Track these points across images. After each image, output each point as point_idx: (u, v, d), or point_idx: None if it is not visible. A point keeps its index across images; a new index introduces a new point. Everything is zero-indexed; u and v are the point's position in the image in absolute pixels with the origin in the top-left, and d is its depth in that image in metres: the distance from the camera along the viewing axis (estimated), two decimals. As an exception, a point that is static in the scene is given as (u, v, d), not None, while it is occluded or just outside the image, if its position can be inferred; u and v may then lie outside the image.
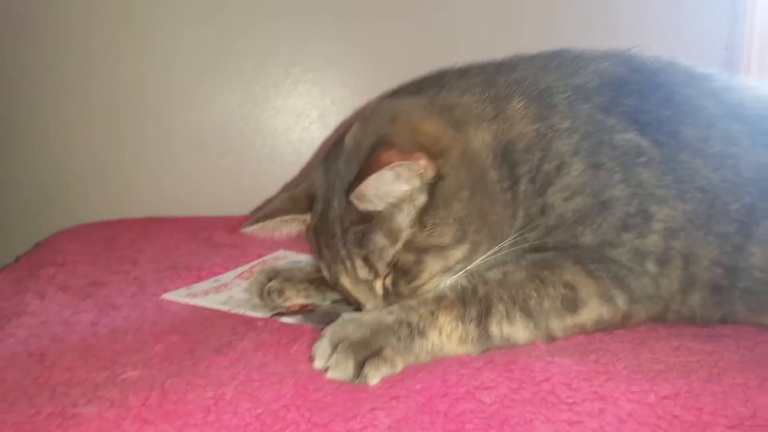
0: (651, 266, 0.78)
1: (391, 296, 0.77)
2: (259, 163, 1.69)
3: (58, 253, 1.18)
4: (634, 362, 0.69)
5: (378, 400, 0.63)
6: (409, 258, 0.74)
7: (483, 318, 0.72)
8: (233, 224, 1.46)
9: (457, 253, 0.75)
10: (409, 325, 0.70)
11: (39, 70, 1.60)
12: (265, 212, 0.83)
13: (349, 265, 0.76)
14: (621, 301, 0.77)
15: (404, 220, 0.74)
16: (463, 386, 0.65)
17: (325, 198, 0.79)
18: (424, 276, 0.75)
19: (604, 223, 0.78)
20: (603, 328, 0.78)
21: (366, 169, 0.69)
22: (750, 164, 0.82)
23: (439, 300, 0.72)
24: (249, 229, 0.83)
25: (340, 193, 0.76)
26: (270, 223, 0.83)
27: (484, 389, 0.65)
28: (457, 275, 0.76)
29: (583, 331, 0.77)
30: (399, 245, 0.74)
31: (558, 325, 0.76)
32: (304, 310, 0.91)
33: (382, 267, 0.75)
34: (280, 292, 0.91)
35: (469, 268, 0.77)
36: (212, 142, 1.67)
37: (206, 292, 0.97)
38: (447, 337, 0.71)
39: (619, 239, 0.78)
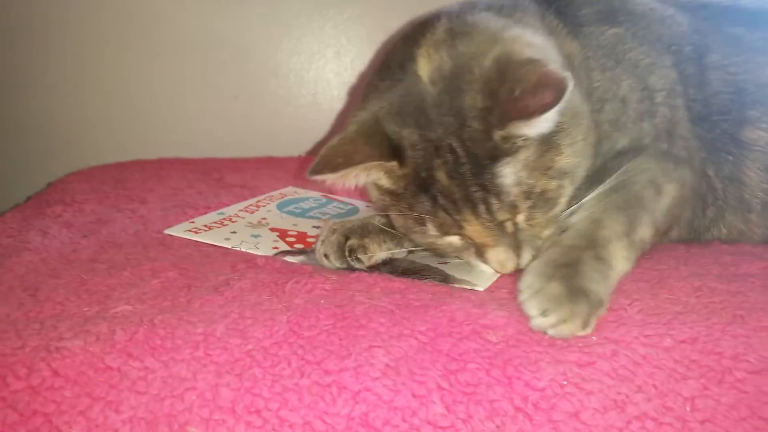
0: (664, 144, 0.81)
1: (521, 232, 0.71)
2: (275, 104, 1.64)
3: (67, 193, 1.16)
4: (650, 304, 0.65)
5: (377, 338, 0.60)
6: (552, 185, 0.70)
7: (633, 228, 0.70)
8: (247, 166, 1.45)
9: (582, 170, 0.72)
10: (600, 258, 0.66)
11: (50, 13, 1.55)
12: (344, 159, 0.70)
13: (483, 207, 0.68)
14: (673, 171, 0.78)
15: (539, 148, 0.68)
16: (469, 325, 0.62)
17: (427, 142, 0.69)
18: (563, 200, 0.72)
19: (629, 121, 0.80)
20: (676, 211, 0.78)
21: (534, 89, 0.63)
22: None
23: (599, 226, 0.69)
24: (327, 177, 0.71)
25: (459, 131, 0.67)
26: (352, 172, 0.71)
27: (492, 328, 0.61)
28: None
29: (670, 212, 0.77)
30: (535, 173, 0.68)
31: (659, 212, 0.75)
32: (307, 249, 0.87)
33: (522, 202, 0.69)
34: (365, 249, 0.79)
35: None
36: (225, 82, 1.62)
37: (209, 227, 0.94)
38: (620, 260, 0.68)
39: (641, 130, 0.81)
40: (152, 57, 1.60)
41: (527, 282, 0.64)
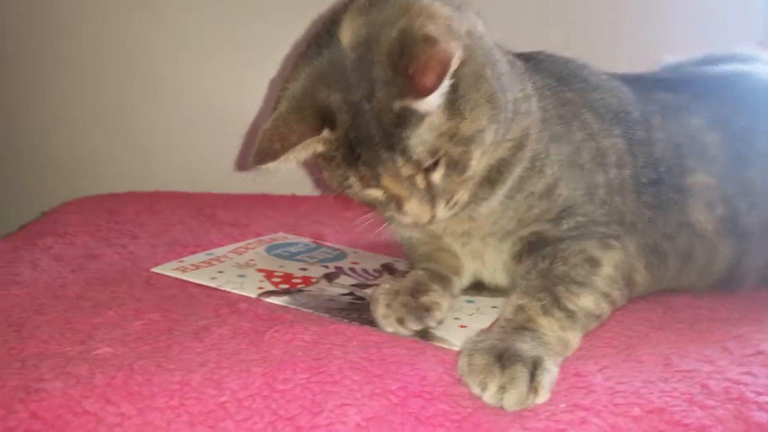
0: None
1: (437, 189, 0.75)
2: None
3: (60, 224, 1.18)
4: (619, 372, 0.67)
5: (350, 396, 0.61)
6: (457, 150, 0.73)
7: (557, 302, 0.74)
8: (239, 203, 1.47)
9: (490, 134, 0.75)
10: (526, 328, 0.71)
11: (48, 45, 1.59)
12: (281, 144, 0.74)
13: (390, 164, 0.73)
14: (614, 241, 0.83)
15: (440, 113, 0.71)
16: (441, 386, 0.63)
17: (350, 105, 0.73)
18: (473, 164, 0.75)
19: (585, 164, 0.87)
20: (624, 272, 0.83)
21: (423, 70, 0.67)
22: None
23: (521, 308, 0.74)
24: (269, 165, 0.74)
25: (369, 98, 0.71)
26: (291, 155, 0.75)
27: (463, 394, 0.63)
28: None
29: (615, 281, 0.81)
30: (442, 137, 0.72)
31: (600, 280, 0.79)
32: (292, 290, 0.89)
33: (424, 159, 0.73)
34: (438, 305, 0.82)
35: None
36: (219, 119, 1.64)
37: (197, 266, 0.96)
38: (551, 329, 0.72)
39: (594, 185, 0.87)
40: (150, 90, 1.63)
41: (459, 364, 0.67)
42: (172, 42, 1.62)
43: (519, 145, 0.82)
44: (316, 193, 1.61)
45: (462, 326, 0.81)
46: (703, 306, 0.89)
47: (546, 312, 0.73)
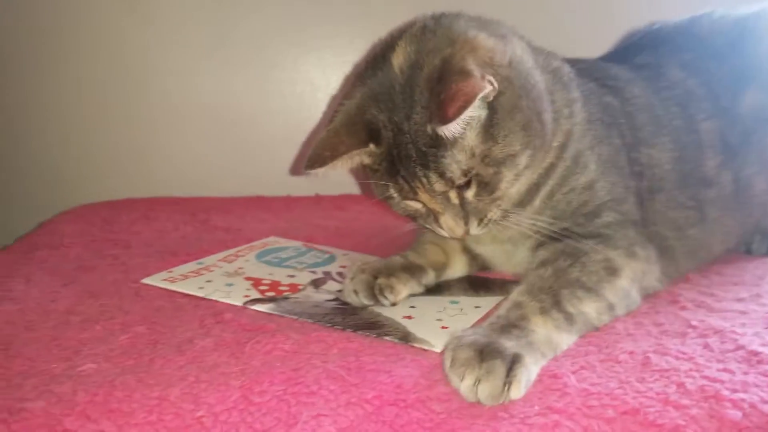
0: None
1: (470, 207, 0.82)
2: (261, 144, 1.68)
3: (56, 235, 1.20)
4: (594, 374, 0.67)
5: (326, 407, 0.62)
6: (488, 171, 0.79)
7: (557, 304, 0.76)
8: (234, 206, 1.48)
9: (524, 158, 0.80)
10: (516, 326, 0.72)
11: (48, 53, 1.60)
12: (330, 152, 0.81)
13: (425, 181, 0.79)
14: (639, 250, 0.87)
15: (474, 137, 0.77)
16: (415, 393, 0.64)
17: (392, 124, 0.79)
18: (503, 185, 0.81)
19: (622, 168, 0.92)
20: (641, 282, 0.86)
21: (450, 100, 0.73)
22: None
23: (518, 305, 0.76)
24: (318, 171, 0.82)
25: (408, 119, 0.78)
26: (338, 162, 0.82)
27: (437, 399, 0.63)
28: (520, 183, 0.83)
29: (627, 293, 0.84)
30: (475, 159, 0.78)
31: (611, 290, 0.82)
32: (278, 297, 0.90)
33: (457, 177, 0.78)
34: (391, 288, 0.89)
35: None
36: (215, 123, 1.66)
37: (186, 276, 0.97)
38: (544, 327, 0.73)
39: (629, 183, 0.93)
40: (146, 96, 1.65)
41: (443, 359, 0.69)
42: (167, 45, 1.63)
43: (562, 147, 0.88)
44: (310, 193, 1.62)
45: (444, 327, 0.81)
46: (689, 300, 0.89)
47: (543, 312, 0.75)
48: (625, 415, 0.61)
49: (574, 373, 0.68)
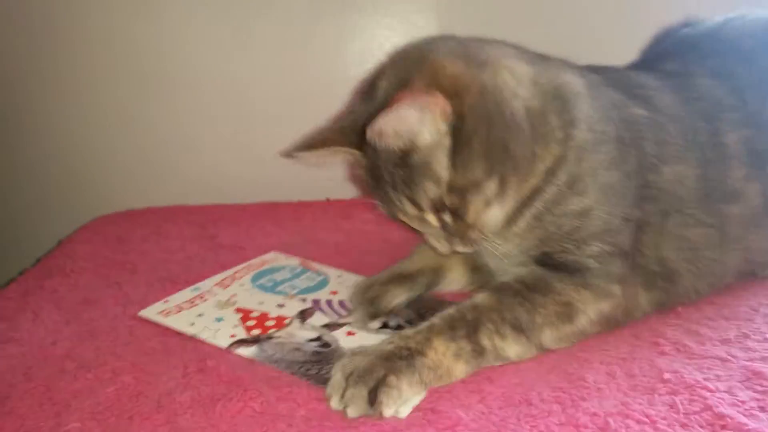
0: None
1: (451, 229, 0.86)
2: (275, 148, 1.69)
3: (69, 258, 1.26)
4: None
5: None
6: (454, 199, 0.82)
7: (472, 334, 0.79)
8: (244, 216, 1.51)
9: (491, 185, 0.82)
10: (408, 348, 0.77)
11: (57, 60, 1.65)
12: (316, 140, 0.87)
13: (398, 204, 0.85)
14: (616, 289, 0.86)
15: (439, 163, 0.80)
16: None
17: (373, 145, 0.83)
18: (471, 212, 0.83)
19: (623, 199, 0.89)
20: (612, 317, 0.87)
21: (384, 114, 0.76)
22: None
23: (431, 327, 0.80)
24: (299, 154, 0.87)
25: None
26: (321, 152, 0.87)
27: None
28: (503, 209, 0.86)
29: (583, 335, 0.86)
30: (442, 188, 0.81)
31: (552, 335, 0.84)
32: (262, 337, 0.92)
33: (426, 204, 0.83)
34: (379, 299, 0.97)
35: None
36: (230, 127, 1.69)
37: (180, 307, 1.01)
38: (443, 354, 0.77)
39: (631, 214, 0.90)
40: (164, 100, 1.69)
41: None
42: (178, 42, 1.66)
43: (551, 171, 0.87)
44: (321, 197, 1.64)
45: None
46: (671, 342, 0.87)
47: (449, 339, 0.78)
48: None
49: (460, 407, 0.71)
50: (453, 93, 0.79)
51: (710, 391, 0.74)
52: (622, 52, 1.23)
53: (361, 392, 0.72)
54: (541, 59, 0.93)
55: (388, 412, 0.72)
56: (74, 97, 1.68)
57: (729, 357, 0.81)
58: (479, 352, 0.79)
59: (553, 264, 0.88)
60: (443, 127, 0.79)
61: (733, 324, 0.90)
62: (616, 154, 0.89)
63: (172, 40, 1.65)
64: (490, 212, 0.84)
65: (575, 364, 0.82)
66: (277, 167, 1.65)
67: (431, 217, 0.85)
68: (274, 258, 1.22)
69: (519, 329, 0.81)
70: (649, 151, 0.92)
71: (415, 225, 0.89)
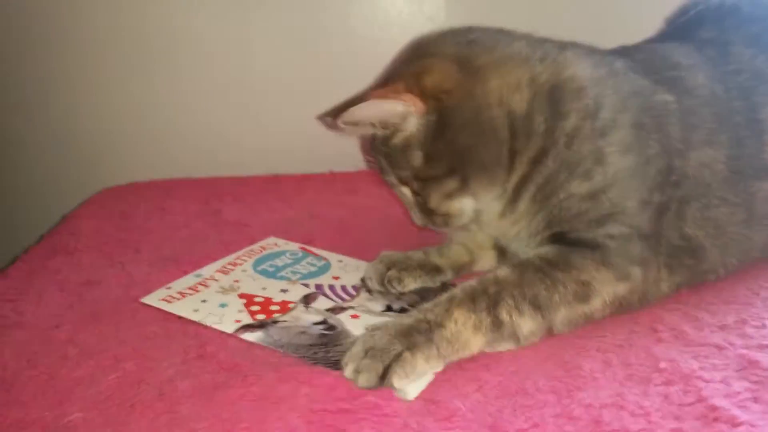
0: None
1: (417, 199, 0.96)
2: (288, 122, 1.68)
3: (72, 236, 1.27)
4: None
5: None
6: (418, 185, 0.93)
7: (492, 308, 0.81)
8: (248, 190, 1.51)
9: (451, 183, 0.91)
10: (428, 321, 0.79)
11: (63, 33, 1.64)
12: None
13: (386, 170, 0.96)
14: (637, 270, 0.86)
15: (411, 152, 0.90)
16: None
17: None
18: (432, 201, 0.94)
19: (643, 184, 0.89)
20: (620, 308, 0.87)
21: (356, 100, 0.87)
22: None
23: (452, 299, 0.82)
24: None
25: None
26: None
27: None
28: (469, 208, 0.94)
29: (591, 319, 0.86)
30: (409, 172, 0.92)
31: (564, 316, 0.84)
32: (267, 321, 0.93)
33: (401, 180, 0.96)
34: (399, 280, 1.01)
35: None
36: (243, 99, 1.69)
37: (183, 294, 1.02)
38: (462, 324, 0.79)
39: (651, 197, 0.89)
40: (174, 72, 1.68)
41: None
42: (186, 11, 1.64)
43: (536, 160, 0.90)
44: (325, 170, 1.63)
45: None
46: (669, 328, 0.87)
47: (470, 310, 0.80)
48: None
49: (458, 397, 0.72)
50: (431, 95, 0.87)
51: (705, 381, 0.74)
52: (642, 28, 1.20)
53: (376, 366, 0.74)
54: (552, 51, 0.92)
55: (398, 382, 0.74)
56: (78, 70, 1.68)
57: (726, 344, 0.81)
58: (497, 326, 0.80)
59: (571, 241, 0.88)
60: (415, 122, 0.88)
61: (732, 308, 0.90)
62: (632, 140, 0.89)
63: (175, 11, 1.62)
64: (454, 204, 0.93)
65: (572, 350, 0.82)
66: (280, 138, 1.66)
67: (406, 190, 0.97)
68: (273, 243, 1.22)
69: (537, 306, 0.82)
70: (674, 136, 0.91)
71: (397, 192, 0.99)
